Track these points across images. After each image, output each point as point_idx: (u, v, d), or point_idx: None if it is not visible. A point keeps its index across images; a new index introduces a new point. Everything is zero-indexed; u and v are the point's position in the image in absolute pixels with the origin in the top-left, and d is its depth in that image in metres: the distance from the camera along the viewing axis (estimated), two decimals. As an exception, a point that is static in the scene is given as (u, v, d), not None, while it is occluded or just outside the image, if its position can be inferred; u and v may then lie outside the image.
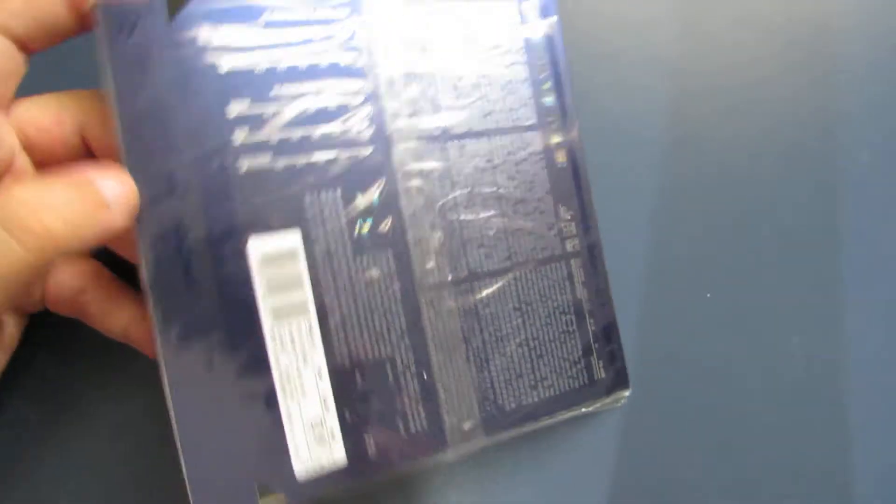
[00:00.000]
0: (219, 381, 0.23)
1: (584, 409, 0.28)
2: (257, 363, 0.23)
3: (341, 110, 0.25)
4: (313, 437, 0.24)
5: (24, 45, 0.21)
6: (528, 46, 0.28)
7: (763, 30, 0.35)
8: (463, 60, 0.27)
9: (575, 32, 0.34)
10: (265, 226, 0.24)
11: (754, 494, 0.32)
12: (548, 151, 0.28)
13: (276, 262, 0.24)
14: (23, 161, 0.23)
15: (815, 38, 0.36)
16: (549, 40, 0.29)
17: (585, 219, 0.29)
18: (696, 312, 0.33)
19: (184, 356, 0.22)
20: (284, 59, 0.24)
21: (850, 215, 0.34)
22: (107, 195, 0.20)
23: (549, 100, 0.29)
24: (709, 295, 0.33)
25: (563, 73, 0.29)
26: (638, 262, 0.33)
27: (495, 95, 0.27)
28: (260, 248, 0.23)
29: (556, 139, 0.28)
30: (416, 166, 0.26)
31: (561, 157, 0.29)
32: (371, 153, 0.25)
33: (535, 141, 0.28)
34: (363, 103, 0.25)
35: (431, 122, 0.26)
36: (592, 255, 0.29)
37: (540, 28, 0.29)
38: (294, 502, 0.23)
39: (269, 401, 0.23)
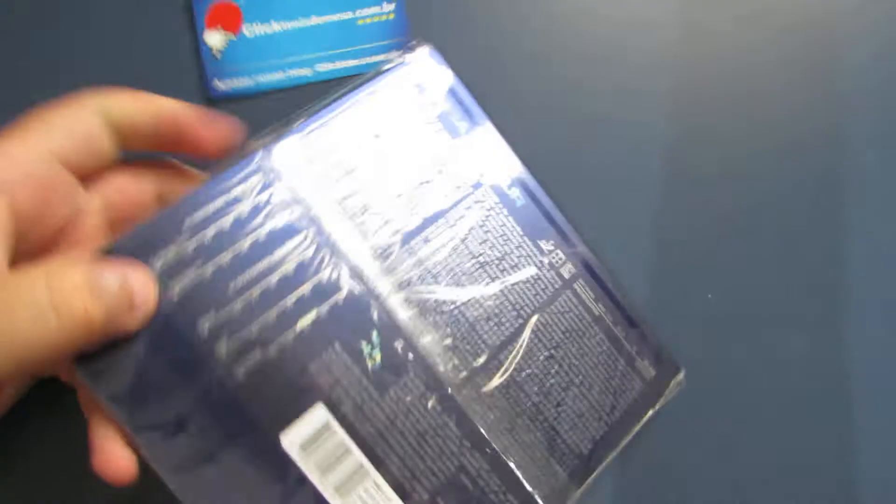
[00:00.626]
0: None
1: (651, 413, 0.28)
2: (346, 543, 0.23)
3: (301, 268, 0.24)
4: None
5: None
6: (442, 115, 0.27)
7: (764, 29, 0.35)
8: (384, 167, 0.26)
9: (575, 32, 0.34)
10: (288, 417, 0.23)
11: (755, 494, 0.32)
12: (502, 197, 0.28)
13: (315, 443, 0.23)
14: (96, 222, 0.24)
15: (818, 36, 0.35)
16: (454, 92, 0.28)
17: (566, 239, 0.28)
18: (696, 313, 0.33)
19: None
20: (225, 253, 0.23)
21: (853, 215, 0.34)
22: (136, 298, 0.21)
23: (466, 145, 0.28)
24: (710, 296, 0.33)
25: (465, 100, 0.28)
26: (639, 262, 0.33)
27: (428, 180, 0.27)
28: (295, 441, 0.23)
29: (505, 181, 0.28)
30: (393, 280, 0.25)
31: (515, 194, 0.28)
32: (348, 293, 0.25)
33: (488, 195, 0.28)
34: (317, 251, 0.24)
35: (385, 233, 0.26)
36: (590, 269, 0.28)
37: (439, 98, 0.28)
38: None
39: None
